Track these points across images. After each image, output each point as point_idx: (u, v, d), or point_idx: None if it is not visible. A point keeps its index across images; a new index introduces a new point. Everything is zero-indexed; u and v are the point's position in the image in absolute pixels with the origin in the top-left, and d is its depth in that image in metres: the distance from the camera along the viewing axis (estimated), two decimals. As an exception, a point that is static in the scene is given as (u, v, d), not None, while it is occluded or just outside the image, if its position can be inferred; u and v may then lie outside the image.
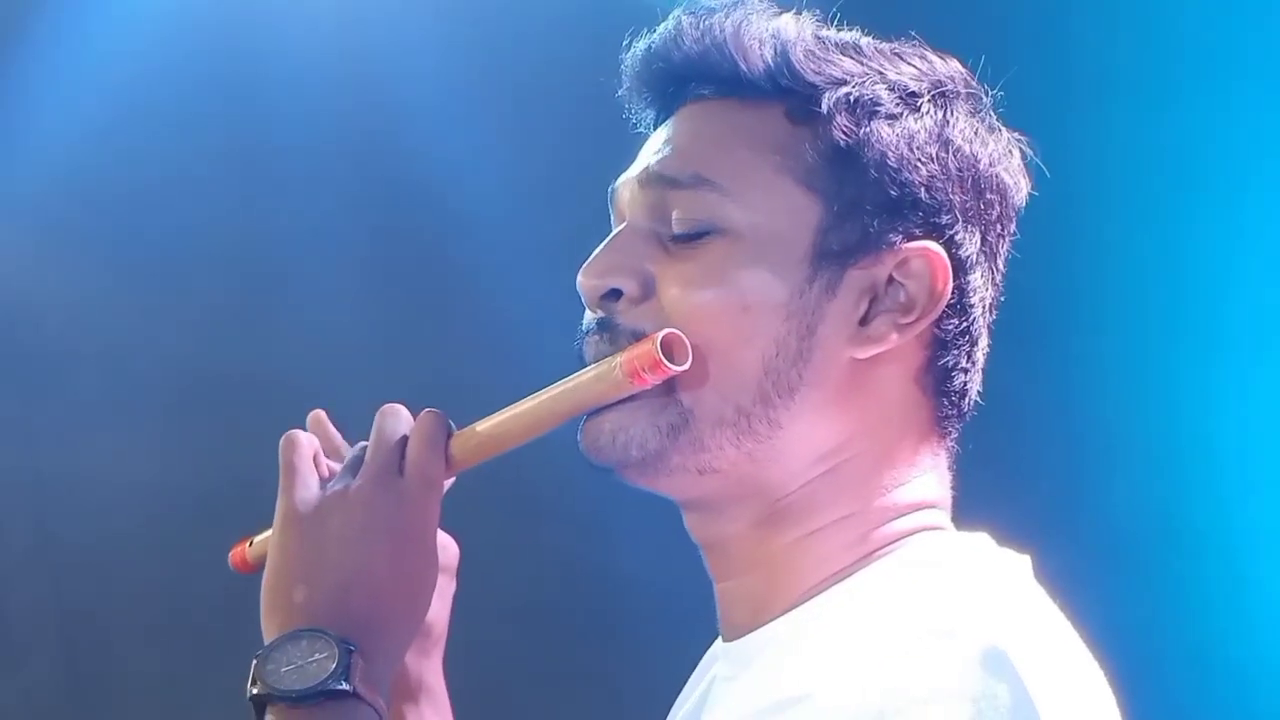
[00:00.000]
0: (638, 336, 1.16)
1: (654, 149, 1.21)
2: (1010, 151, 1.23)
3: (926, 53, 1.23)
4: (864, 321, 1.16)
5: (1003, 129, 1.24)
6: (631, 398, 1.15)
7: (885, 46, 1.22)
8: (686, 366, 1.13)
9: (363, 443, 1.25)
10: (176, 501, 2.67)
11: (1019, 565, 1.19)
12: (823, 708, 1.02)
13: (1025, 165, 1.24)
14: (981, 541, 1.19)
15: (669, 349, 1.13)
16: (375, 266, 2.76)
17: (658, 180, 1.19)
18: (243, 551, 1.33)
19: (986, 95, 1.24)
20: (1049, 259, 2.41)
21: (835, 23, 1.24)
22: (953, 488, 1.23)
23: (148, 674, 2.78)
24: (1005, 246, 1.23)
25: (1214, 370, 2.33)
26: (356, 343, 2.75)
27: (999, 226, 1.22)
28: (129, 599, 2.66)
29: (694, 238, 1.17)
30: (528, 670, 2.69)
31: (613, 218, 1.24)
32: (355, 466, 1.23)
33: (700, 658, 1.29)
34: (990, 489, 2.35)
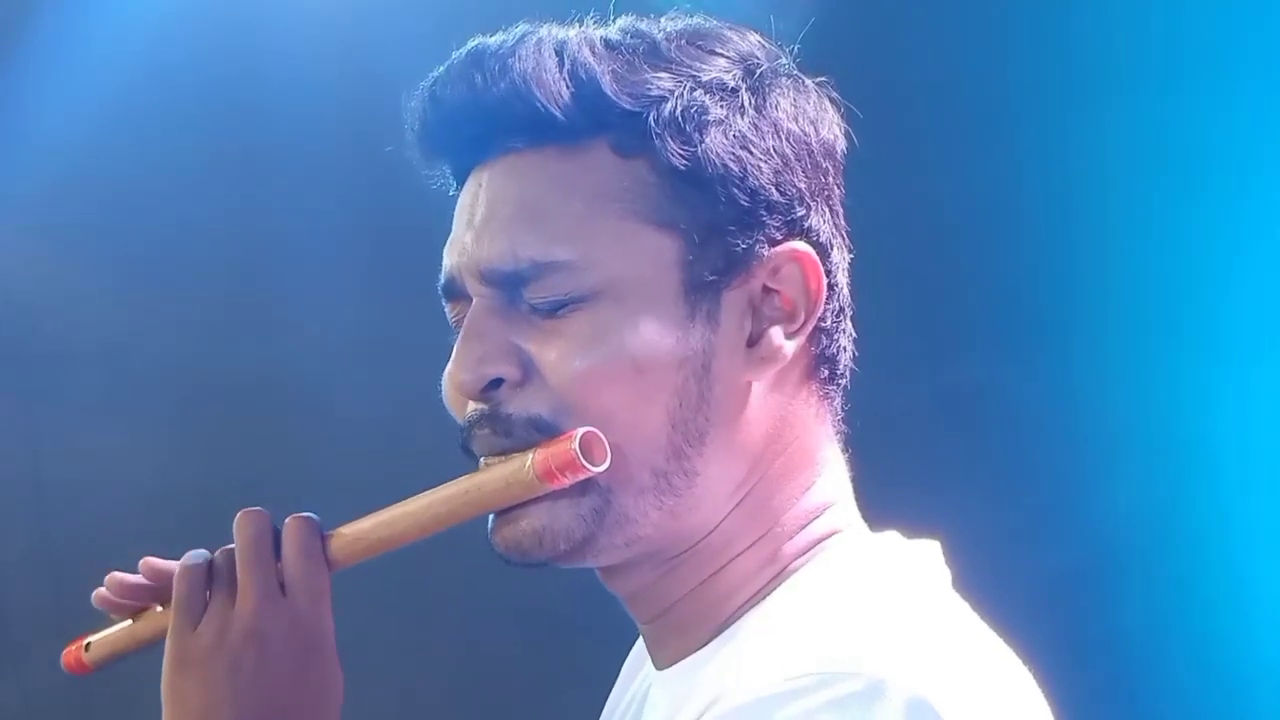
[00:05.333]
0: (535, 424, 1.10)
1: (478, 226, 1.13)
2: (824, 105, 1.18)
3: (723, 31, 1.16)
4: (751, 342, 1.13)
5: (808, 83, 1.18)
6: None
7: (681, 38, 1.14)
8: (606, 466, 1.07)
9: (226, 547, 1.16)
10: (177, 501, 2.67)
11: (929, 558, 1.16)
12: None
13: (837, 107, 1.18)
14: (889, 542, 1.16)
15: (587, 448, 1.07)
16: (375, 266, 2.76)
17: (499, 277, 1.11)
18: (78, 653, 1.27)
19: (786, 55, 1.18)
20: (1049, 259, 2.42)
21: (613, 13, 1.17)
22: (851, 474, 1.19)
23: (148, 674, 2.78)
24: (842, 201, 1.18)
25: (1214, 370, 2.33)
26: (356, 343, 2.75)
27: (838, 189, 1.18)
28: (129, 599, 2.65)
29: (559, 308, 1.11)
30: (528, 670, 2.69)
31: (448, 308, 1.17)
32: (228, 584, 1.15)
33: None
34: (990, 489, 2.37)
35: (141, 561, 1.24)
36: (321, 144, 2.71)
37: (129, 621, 1.25)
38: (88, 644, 1.27)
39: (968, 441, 2.39)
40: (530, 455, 1.09)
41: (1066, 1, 2.44)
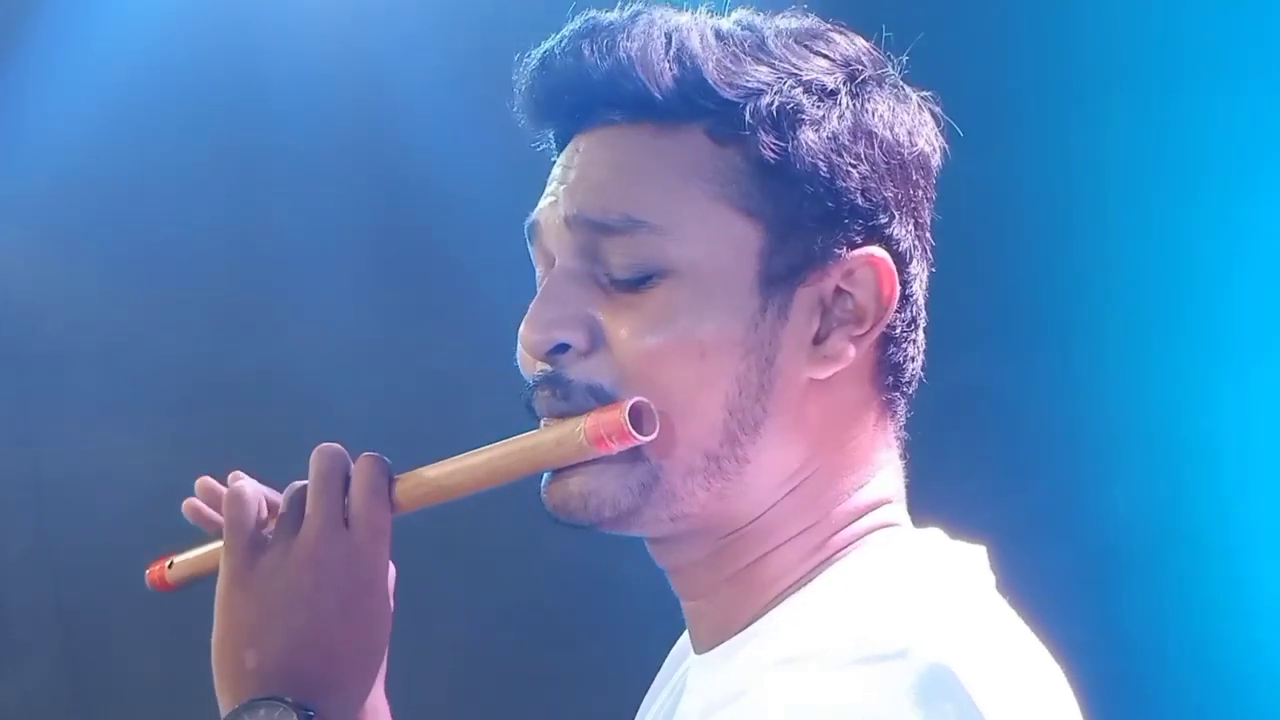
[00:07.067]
0: (594, 392, 1.13)
1: (571, 182, 1.16)
2: (923, 118, 1.20)
3: (830, 34, 1.19)
4: (818, 340, 1.14)
5: (911, 94, 1.20)
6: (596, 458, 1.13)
7: (789, 36, 1.17)
8: (654, 437, 1.10)
9: (299, 483, 1.21)
10: (177, 501, 2.67)
11: (973, 559, 1.18)
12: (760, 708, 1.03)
13: (938, 122, 1.21)
14: (934, 538, 1.18)
15: (637, 417, 1.10)
16: (375, 266, 2.76)
17: (586, 224, 1.14)
18: (161, 571, 1.31)
19: (893, 65, 1.20)
20: (1049, 259, 2.42)
21: (728, 6, 1.20)
22: (906, 476, 1.22)
23: (148, 674, 2.78)
24: (930, 215, 1.20)
25: (1214, 370, 2.33)
26: (357, 343, 2.75)
27: (927, 203, 1.19)
28: (129, 599, 2.66)
29: (638, 283, 1.13)
30: (527, 670, 2.69)
31: (534, 254, 1.19)
32: (295, 514, 1.19)
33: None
34: (990, 489, 2.37)
35: (231, 474, 1.27)
36: (321, 144, 2.72)
37: (215, 544, 1.27)
38: (171, 562, 1.30)
39: (968, 441, 2.39)
40: (583, 420, 1.12)
41: (1066, 1, 2.44)
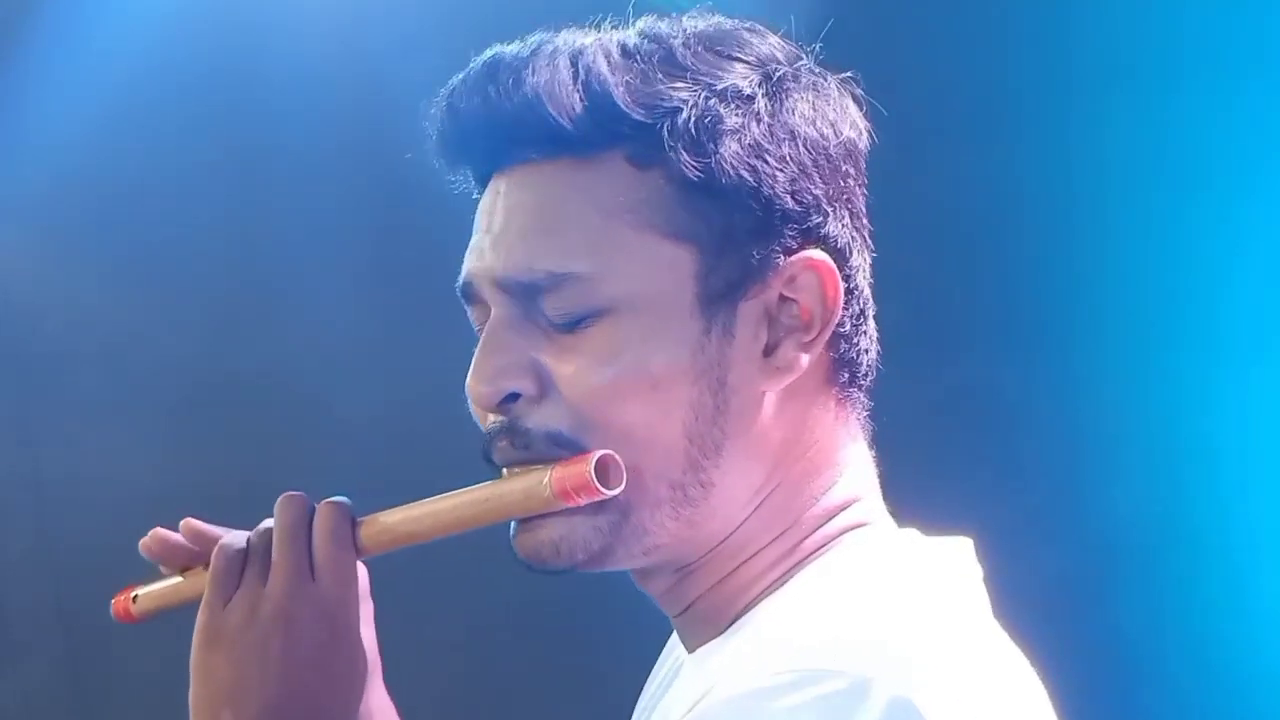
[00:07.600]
0: (554, 439, 1.11)
1: (496, 233, 1.14)
2: (844, 104, 1.17)
3: (741, 34, 1.15)
4: (768, 352, 1.13)
5: (829, 81, 1.16)
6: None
7: (698, 43, 1.13)
8: (620, 491, 1.09)
9: (264, 525, 1.20)
10: (177, 502, 2.67)
11: (954, 554, 1.16)
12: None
13: (859, 104, 1.18)
14: (909, 536, 1.17)
15: (603, 471, 1.09)
16: (375, 266, 2.76)
17: (515, 286, 1.12)
18: (126, 603, 1.30)
19: (805, 55, 1.17)
20: (1049, 259, 2.42)
21: (633, 15, 1.17)
22: (882, 470, 1.20)
23: (148, 674, 2.78)
24: (864, 200, 1.18)
25: (1214, 370, 2.32)
26: (357, 343, 2.75)
27: (859, 190, 1.17)
28: (129, 599, 2.66)
29: (577, 323, 1.11)
30: (526, 670, 2.69)
31: (470, 311, 1.18)
32: (262, 564, 1.18)
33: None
34: (991, 489, 2.36)
35: (183, 521, 1.26)
36: (322, 144, 2.72)
37: (177, 578, 1.27)
38: (135, 595, 1.30)
39: (967, 441, 2.39)
40: (549, 472, 1.11)
41: (1067, 1, 2.44)
